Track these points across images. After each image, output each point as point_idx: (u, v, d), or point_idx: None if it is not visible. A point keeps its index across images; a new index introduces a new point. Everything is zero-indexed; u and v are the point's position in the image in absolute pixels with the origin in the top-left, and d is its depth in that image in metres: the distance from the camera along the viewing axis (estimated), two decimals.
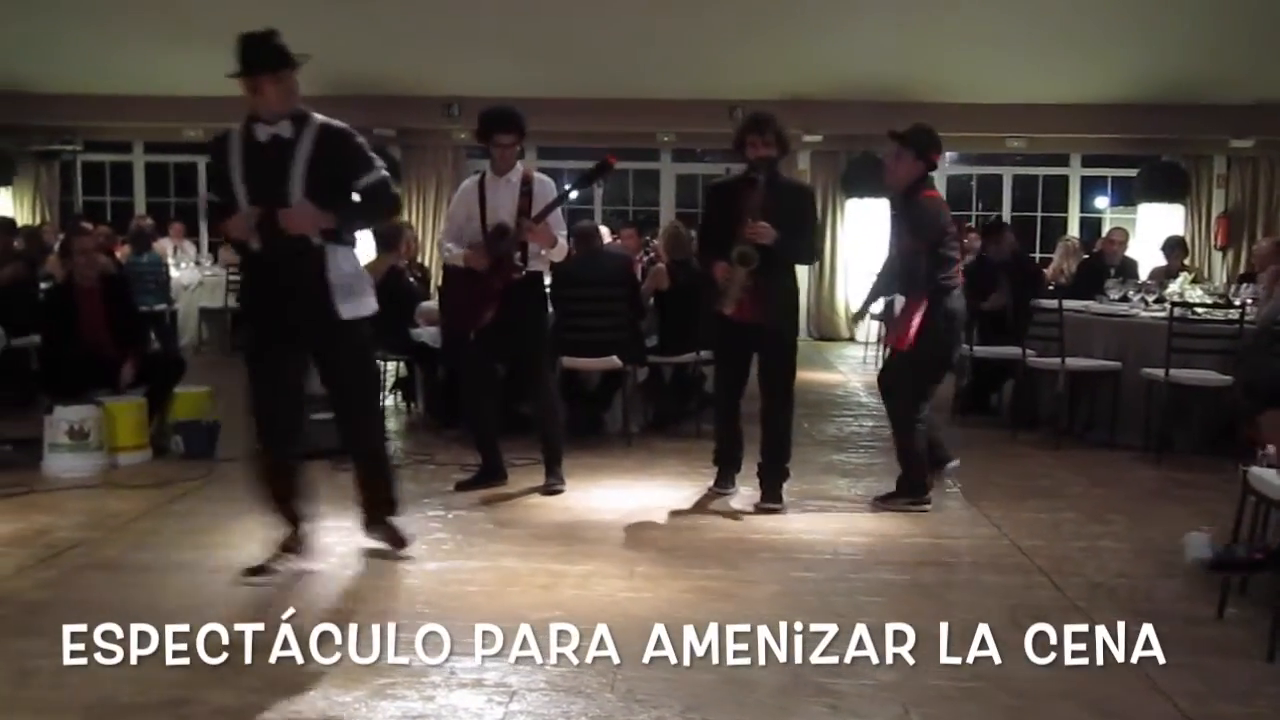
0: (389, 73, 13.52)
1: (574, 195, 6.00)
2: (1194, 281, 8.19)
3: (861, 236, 14.56)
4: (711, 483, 5.73)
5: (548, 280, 5.91)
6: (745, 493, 5.69)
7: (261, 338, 4.38)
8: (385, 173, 4.34)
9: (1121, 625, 3.82)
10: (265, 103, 4.18)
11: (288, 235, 4.13)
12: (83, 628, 3.38)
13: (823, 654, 3.54)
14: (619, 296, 6.92)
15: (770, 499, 5.47)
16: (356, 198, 4.27)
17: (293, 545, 4.40)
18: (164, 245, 12.90)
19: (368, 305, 4.35)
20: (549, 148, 14.68)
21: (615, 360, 6.92)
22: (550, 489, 5.64)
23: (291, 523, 4.42)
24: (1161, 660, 3.53)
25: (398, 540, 4.56)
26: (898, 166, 5.48)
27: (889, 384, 5.62)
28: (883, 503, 5.47)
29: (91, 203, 15.04)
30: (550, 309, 6.09)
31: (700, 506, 5.51)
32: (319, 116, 4.26)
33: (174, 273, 11.79)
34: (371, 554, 4.58)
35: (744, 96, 12.93)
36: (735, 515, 5.34)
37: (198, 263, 13.16)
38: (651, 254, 10.18)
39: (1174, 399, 6.74)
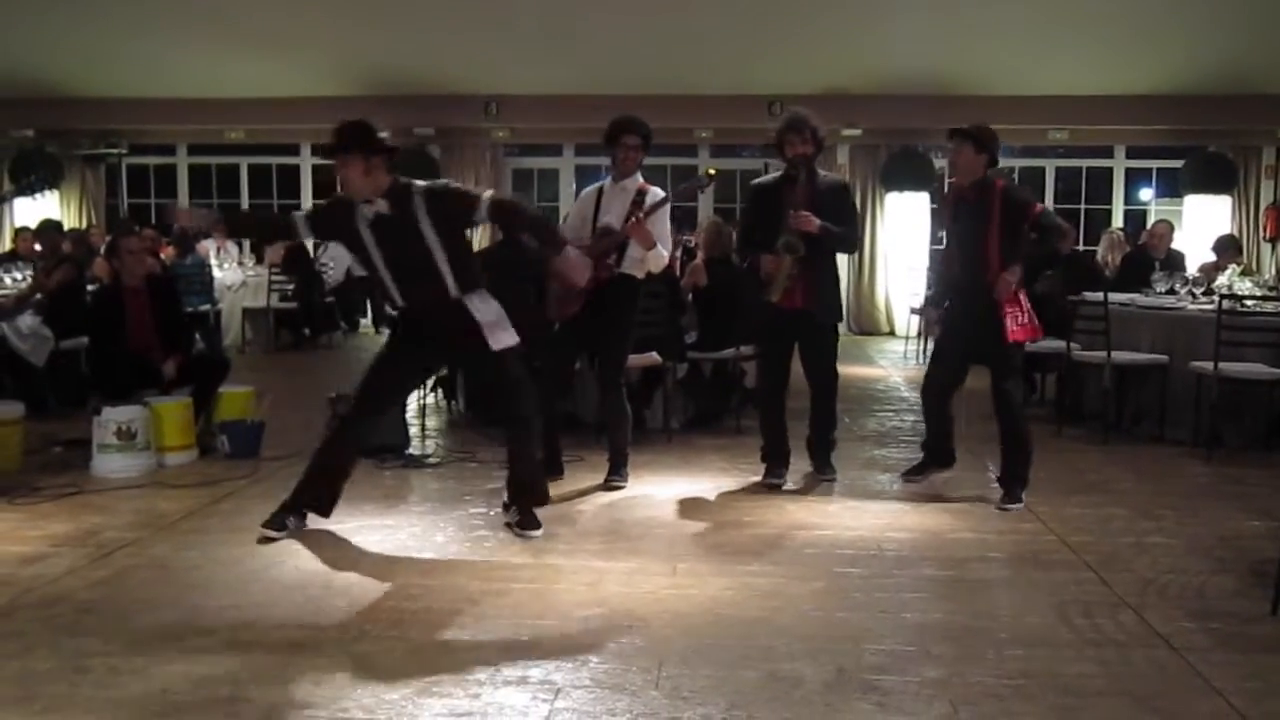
0: (427, 72, 13.61)
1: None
2: (1243, 273, 8.06)
3: (901, 230, 14.50)
4: (760, 477, 5.84)
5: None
6: (792, 484, 5.73)
7: (403, 362, 4.88)
8: (489, 196, 4.70)
9: (1172, 622, 3.80)
10: (347, 185, 4.58)
11: (430, 295, 4.63)
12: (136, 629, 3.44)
13: (868, 651, 3.53)
14: (659, 293, 6.90)
15: (825, 469, 5.87)
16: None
17: (318, 509, 4.90)
18: (207, 246, 13.05)
19: (513, 336, 4.76)
20: (588, 145, 14.72)
21: (655, 357, 6.92)
22: (611, 485, 5.75)
23: (331, 495, 4.89)
24: (1214, 657, 3.50)
25: (527, 524, 4.87)
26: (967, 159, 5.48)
27: (1011, 391, 5.51)
28: (1005, 506, 5.42)
29: (136, 205, 15.23)
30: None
31: (742, 502, 5.50)
32: (417, 185, 4.61)
33: (217, 273, 11.93)
34: (416, 552, 4.61)
35: (783, 91, 12.88)
36: (778, 511, 5.33)
37: (241, 263, 13.30)
38: (692, 243, 10.16)
39: (1224, 393, 6.64)
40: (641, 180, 5.71)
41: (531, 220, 4.92)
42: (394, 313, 4.88)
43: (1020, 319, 5.36)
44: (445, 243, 4.59)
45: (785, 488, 5.74)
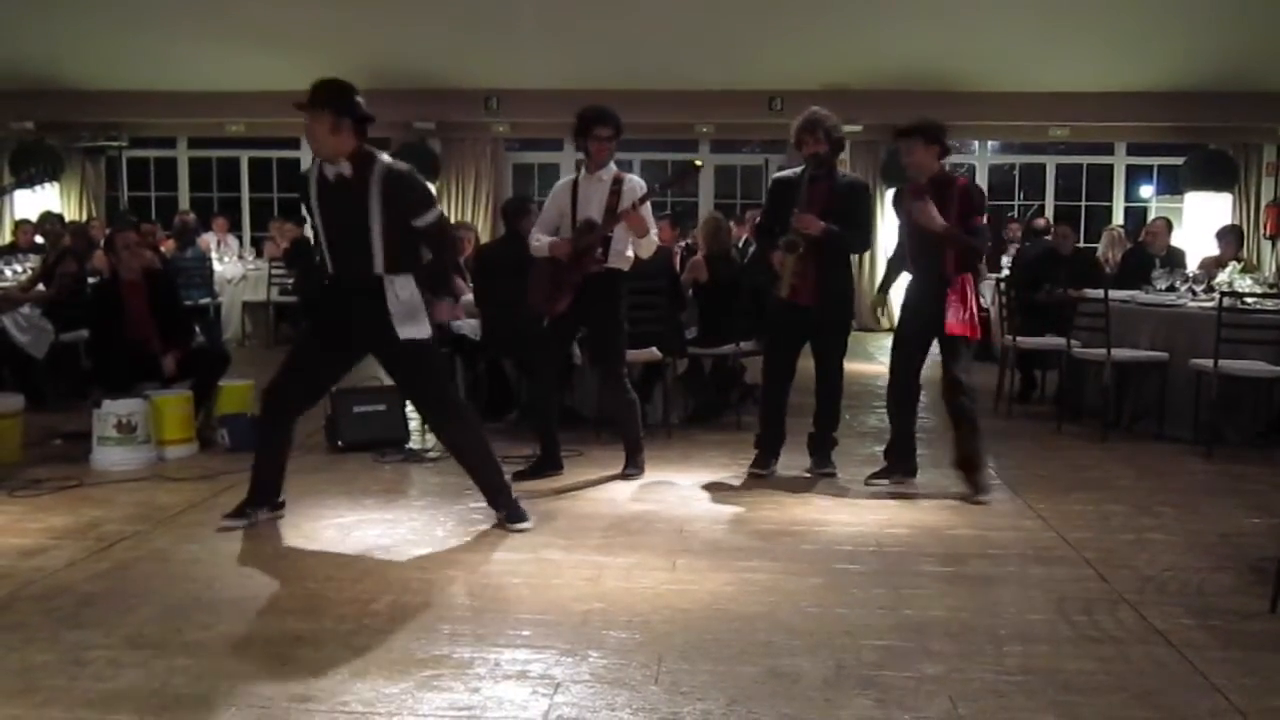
0: (428, 66, 13.59)
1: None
2: (1244, 271, 8.06)
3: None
4: (749, 465, 5.93)
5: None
6: (783, 475, 5.75)
7: (319, 337, 4.82)
8: (439, 211, 4.78)
9: (1172, 619, 3.81)
10: (312, 141, 4.59)
11: (356, 267, 4.60)
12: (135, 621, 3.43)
13: (868, 646, 3.53)
14: (659, 289, 6.91)
15: (824, 465, 5.90)
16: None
17: (272, 501, 4.93)
18: (207, 240, 13.06)
19: (425, 329, 4.71)
20: None
21: (655, 352, 6.92)
22: (628, 476, 5.82)
23: (276, 481, 4.91)
24: (1213, 654, 3.50)
25: (515, 517, 4.87)
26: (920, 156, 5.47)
27: (960, 377, 5.45)
28: (977, 499, 5.39)
29: (136, 198, 15.24)
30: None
31: (742, 498, 5.50)
32: (385, 158, 4.62)
33: (217, 267, 11.93)
34: (416, 547, 4.61)
35: (783, 87, 12.88)
36: (777, 507, 5.33)
37: (241, 257, 13.30)
38: (691, 240, 10.18)
39: (1223, 390, 6.64)
40: (615, 169, 5.71)
41: (444, 264, 5.06)
42: (324, 285, 4.79)
43: (961, 315, 5.36)
44: (386, 220, 4.54)
45: (787, 483, 5.75)
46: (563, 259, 5.58)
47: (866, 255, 14.49)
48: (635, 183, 5.66)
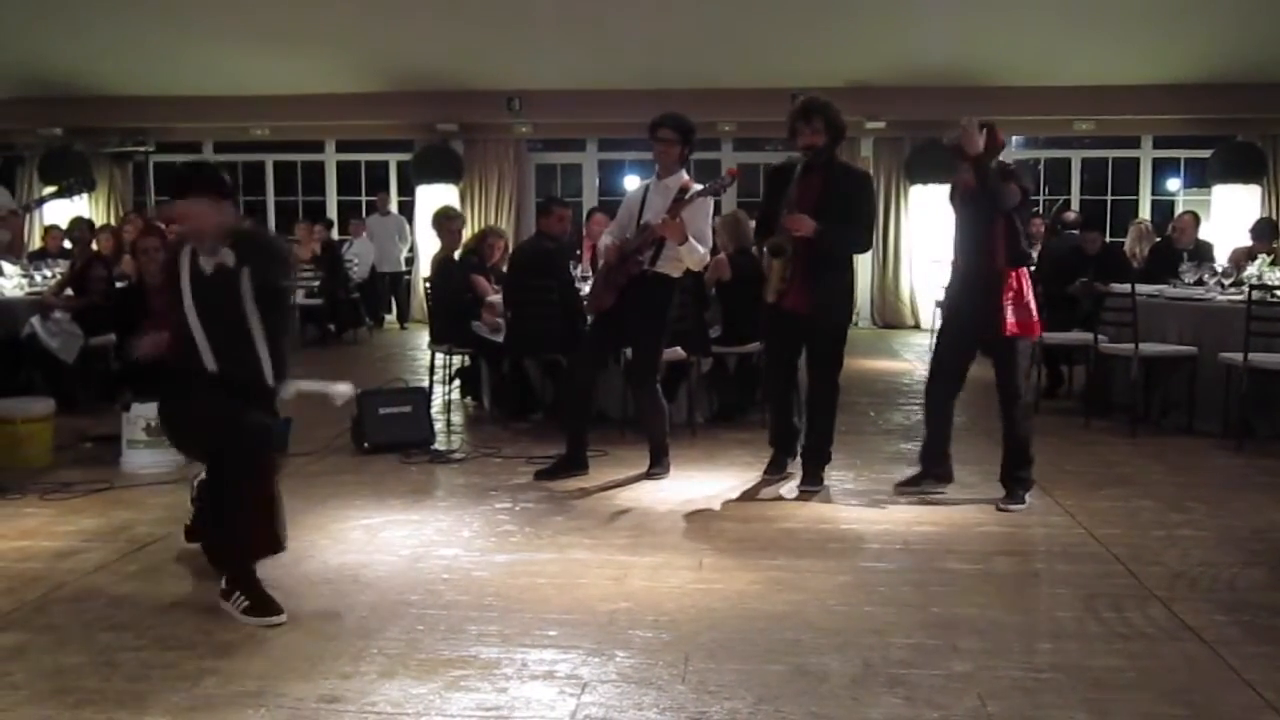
0: (450, 68, 13.64)
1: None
2: (1273, 263, 7.98)
3: (925, 223, 14.42)
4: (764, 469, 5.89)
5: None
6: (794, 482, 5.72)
7: None
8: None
9: (1203, 615, 3.77)
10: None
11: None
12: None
13: (895, 644, 3.52)
14: (683, 288, 6.89)
15: (809, 481, 5.59)
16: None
17: None
18: None
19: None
20: (611, 140, 14.72)
21: (679, 351, 6.91)
22: (653, 476, 5.82)
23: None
24: (1245, 649, 3.47)
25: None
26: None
27: (1014, 380, 5.22)
28: (1006, 506, 5.21)
29: (165, 203, 15.33)
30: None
31: (767, 497, 5.50)
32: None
33: None
34: (442, 547, 4.63)
35: (806, 84, 12.78)
36: (803, 505, 5.31)
37: None
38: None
39: (1254, 384, 6.58)
40: (686, 178, 5.70)
41: None
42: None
43: (1019, 314, 5.13)
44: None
45: (791, 482, 5.70)
46: (610, 262, 5.64)
47: (885, 252, 14.46)
48: (697, 191, 5.56)
